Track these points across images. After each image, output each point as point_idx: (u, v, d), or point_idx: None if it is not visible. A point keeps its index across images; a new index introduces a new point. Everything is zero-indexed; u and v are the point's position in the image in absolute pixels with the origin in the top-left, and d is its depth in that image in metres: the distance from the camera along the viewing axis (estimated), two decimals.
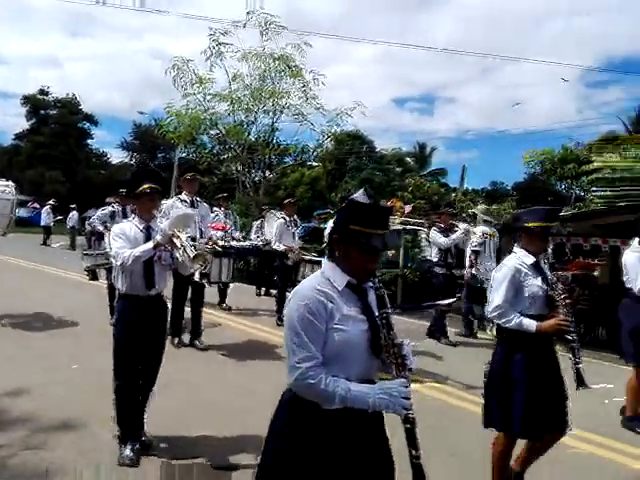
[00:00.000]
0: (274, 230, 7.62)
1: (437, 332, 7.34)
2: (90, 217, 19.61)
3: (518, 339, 2.98)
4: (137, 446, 3.24)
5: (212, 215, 8.20)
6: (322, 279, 1.82)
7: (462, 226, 7.24)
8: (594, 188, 15.59)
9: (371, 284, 1.87)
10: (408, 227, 8.75)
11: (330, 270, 1.84)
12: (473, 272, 7.35)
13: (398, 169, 26.94)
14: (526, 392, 2.90)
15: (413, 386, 4.99)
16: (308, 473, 1.74)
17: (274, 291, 10.79)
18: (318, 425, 1.75)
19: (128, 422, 3.27)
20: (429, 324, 7.55)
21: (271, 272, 11.31)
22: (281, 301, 7.37)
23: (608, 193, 14.85)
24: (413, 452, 1.74)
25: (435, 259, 7.33)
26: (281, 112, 15.61)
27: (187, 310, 6.22)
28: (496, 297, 3.01)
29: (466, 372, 5.35)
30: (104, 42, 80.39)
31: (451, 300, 6.03)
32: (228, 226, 7.86)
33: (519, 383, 2.92)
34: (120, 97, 78.92)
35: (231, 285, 8.30)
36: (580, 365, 3.02)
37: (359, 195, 5.57)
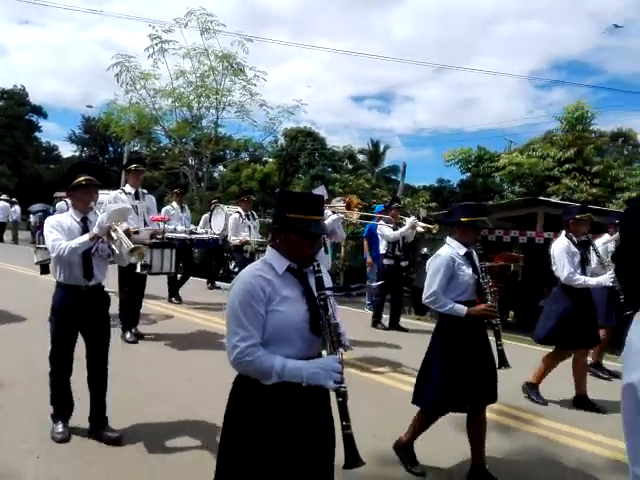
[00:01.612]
0: (230, 224, 7.54)
1: (374, 317, 7.55)
2: (35, 212, 18.83)
3: (453, 324, 3.12)
4: (67, 423, 3.42)
5: (167, 209, 8.16)
6: (263, 265, 1.91)
7: (409, 220, 7.39)
8: (505, 184, 16.63)
9: (311, 268, 1.92)
10: (365, 222, 8.87)
11: (272, 256, 1.92)
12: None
13: (350, 166, 27.20)
14: (463, 370, 3.05)
15: (373, 377, 5.01)
16: (255, 447, 1.80)
17: (220, 283, 10.64)
18: (260, 401, 1.81)
19: (60, 402, 3.41)
20: (372, 314, 7.72)
21: (218, 265, 11.14)
22: None
23: (517, 188, 15.81)
24: (344, 423, 1.81)
25: (383, 251, 7.50)
26: (223, 109, 15.61)
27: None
28: (432, 284, 3.14)
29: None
30: (54, 32, 76.84)
31: (379, 283, 6.19)
32: (167, 217, 7.60)
33: (456, 363, 3.06)
34: (71, 89, 75.80)
35: (180, 278, 8.15)
36: (502, 347, 3.21)
37: (319, 190, 5.62)
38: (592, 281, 4.47)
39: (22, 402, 3.91)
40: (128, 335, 5.76)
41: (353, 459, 1.80)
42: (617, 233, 5.28)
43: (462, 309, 3.08)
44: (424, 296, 3.19)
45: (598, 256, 4.84)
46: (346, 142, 47.84)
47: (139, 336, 5.92)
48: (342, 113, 63.27)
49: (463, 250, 3.21)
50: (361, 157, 29.81)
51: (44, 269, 6.69)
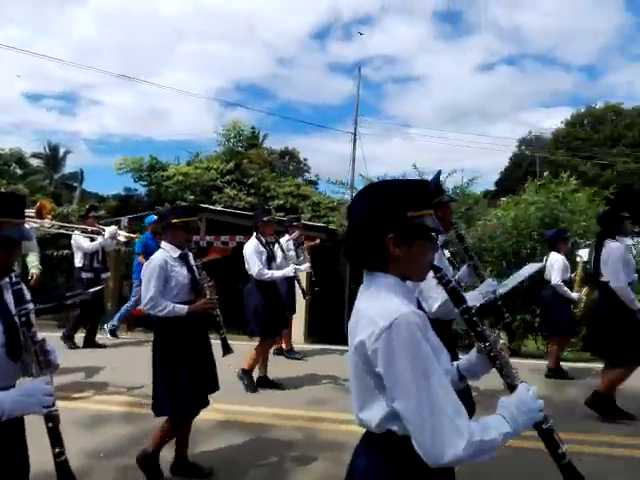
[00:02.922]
0: None
1: (67, 332, 6.59)
2: None
3: (172, 326, 3.06)
4: None
5: None
6: None
7: (108, 229, 6.77)
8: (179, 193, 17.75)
9: (8, 280, 1.62)
10: (65, 232, 7.55)
11: None
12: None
13: (19, 171, 23.06)
14: (189, 374, 3.00)
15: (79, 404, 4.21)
16: None
17: None
18: None
19: None
20: (65, 330, 6.68)
21: None
22: None
23: (189, 196, 17.05)
24: (57, 450, 1.55)
25: (80, 264, 6.58)
26: None
27: None
28: (149, 289, 3.00)
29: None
30: None
31: (95, 289, 5.66)
32: None
33: (181, 367, 3.00)
34: None
35: None
36: (224, 335, 3.29)
37: None
38: (278, 273, 5.03)
39: None
40: None
41: None
42: (295, 232, 6.25)
43: (182, 308, 3.06)
44: (143, 303, 3.03)
45: (283, 252, 5.58)
46: (18, 144, 40.08)
47: None
48: (13, 112, 52.25)
49: (177, 252, 3.17)
50: (35, 162, 25.57)
51: None
